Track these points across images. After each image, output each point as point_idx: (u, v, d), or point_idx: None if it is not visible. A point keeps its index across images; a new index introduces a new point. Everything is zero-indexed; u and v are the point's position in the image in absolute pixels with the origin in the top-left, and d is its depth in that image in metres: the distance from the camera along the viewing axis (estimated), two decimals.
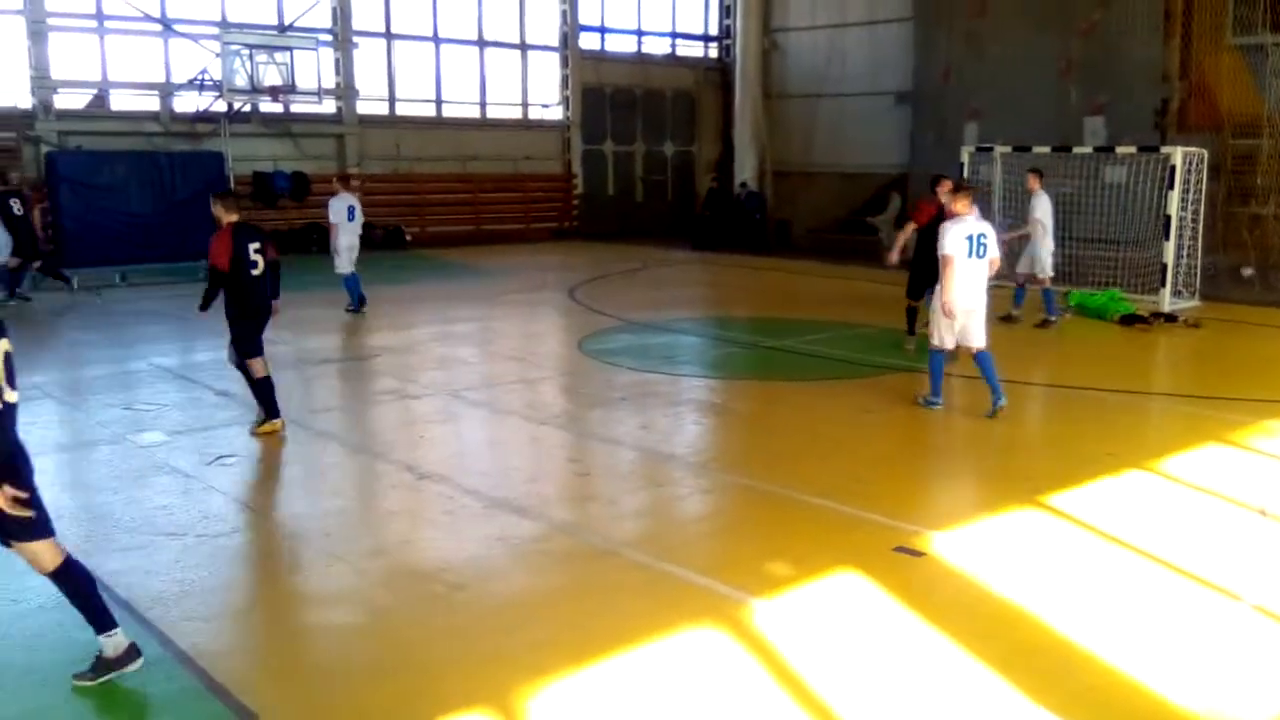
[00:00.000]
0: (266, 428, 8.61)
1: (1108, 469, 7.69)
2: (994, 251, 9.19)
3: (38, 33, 20.67)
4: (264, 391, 8.65)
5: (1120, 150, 17.05)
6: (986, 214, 18.48)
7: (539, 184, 28.27)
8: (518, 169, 27.69)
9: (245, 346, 8.58)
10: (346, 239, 14.77)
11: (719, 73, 31.40)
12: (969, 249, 9.01)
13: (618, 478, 7.81)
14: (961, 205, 9.14)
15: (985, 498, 7.06)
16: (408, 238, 25.31)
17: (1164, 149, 16.32)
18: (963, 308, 9.13)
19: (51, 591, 5.48)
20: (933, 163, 24.33)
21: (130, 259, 18.94)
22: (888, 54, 26.26)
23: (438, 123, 26.49)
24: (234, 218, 8.42)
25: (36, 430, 8.70)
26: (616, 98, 29.56)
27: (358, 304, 14.94)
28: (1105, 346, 13.41)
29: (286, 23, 23.29)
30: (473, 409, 9.76)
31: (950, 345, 9.38)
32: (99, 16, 21.50)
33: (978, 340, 9.29)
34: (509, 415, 9.55)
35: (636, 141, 30.25)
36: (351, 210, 14.88)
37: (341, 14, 24.34)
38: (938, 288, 9.29)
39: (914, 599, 5.41)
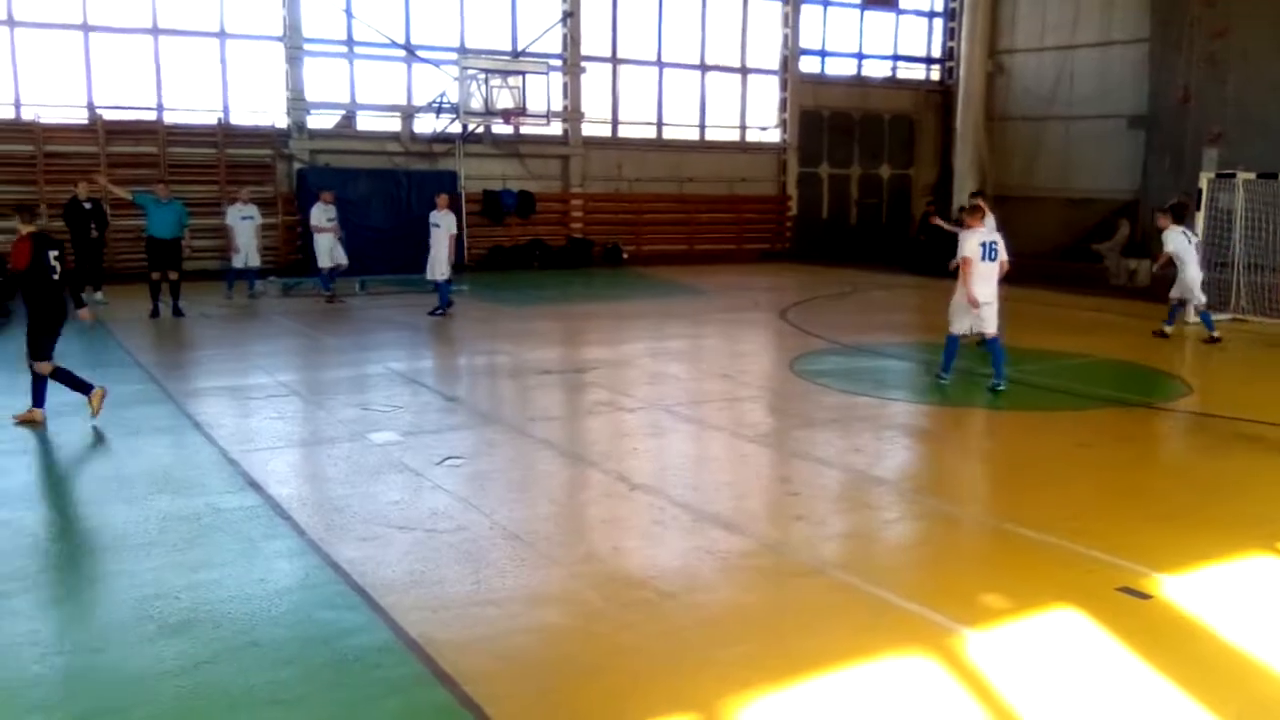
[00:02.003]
0: (26, 416, 9.26)
1: None
2: (1003, 255, 11.21)
3: (294, 58, 22.41)
4: (39, 385, 9.29)
5: None
6: (1226, 243, 17.53)
7: (753, 205, 28.45)
8: (733, 190, 27.96)
9: (36, 350, 9.26)
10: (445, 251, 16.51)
11: (939, 95, 30.83)
12: (984, 253, 11.09)
13: (826, 498, 7.79)
14: (977, 220, 11.34)
15: (1217, 541, 6.66)
16: (624, 255, 25.97)
17: None
18: (982, 301, 11.09)
19: (297, 573, 5.99)
20: (1168, 189, 23.21)
21: (369, 269, 20.24)
22: (1120, 76, 25.17)
23: (658, 145, 27.08)
24: (32, 229, 9.31)
25: (283, 425, 9.46)
26: (834, 120, 29.44)
27: (446, 306, 16.59)
28: None
29: (520, 49, 24.34)
30: (683, 424, 9.93)
31: (965, 330, 11.44)
32: (349, 43, 23.12)
33: (990, 328, 11.22)
34: (718, 431, 9.68)
35: (852, 164, 30.04)
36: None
37: (571, 40, 25.26)
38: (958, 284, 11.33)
39: (1140, 643, 5.17)
